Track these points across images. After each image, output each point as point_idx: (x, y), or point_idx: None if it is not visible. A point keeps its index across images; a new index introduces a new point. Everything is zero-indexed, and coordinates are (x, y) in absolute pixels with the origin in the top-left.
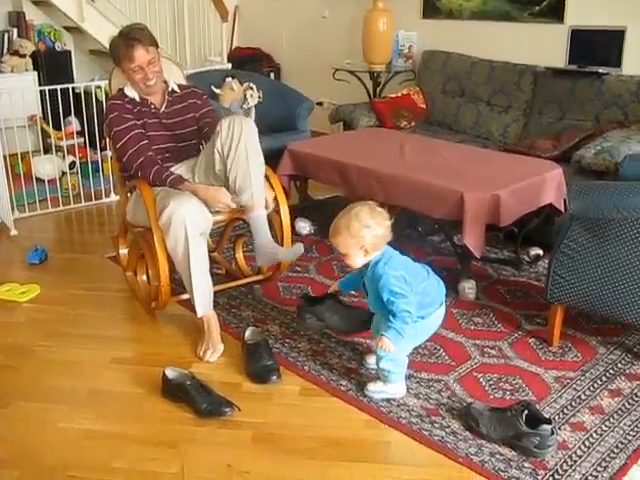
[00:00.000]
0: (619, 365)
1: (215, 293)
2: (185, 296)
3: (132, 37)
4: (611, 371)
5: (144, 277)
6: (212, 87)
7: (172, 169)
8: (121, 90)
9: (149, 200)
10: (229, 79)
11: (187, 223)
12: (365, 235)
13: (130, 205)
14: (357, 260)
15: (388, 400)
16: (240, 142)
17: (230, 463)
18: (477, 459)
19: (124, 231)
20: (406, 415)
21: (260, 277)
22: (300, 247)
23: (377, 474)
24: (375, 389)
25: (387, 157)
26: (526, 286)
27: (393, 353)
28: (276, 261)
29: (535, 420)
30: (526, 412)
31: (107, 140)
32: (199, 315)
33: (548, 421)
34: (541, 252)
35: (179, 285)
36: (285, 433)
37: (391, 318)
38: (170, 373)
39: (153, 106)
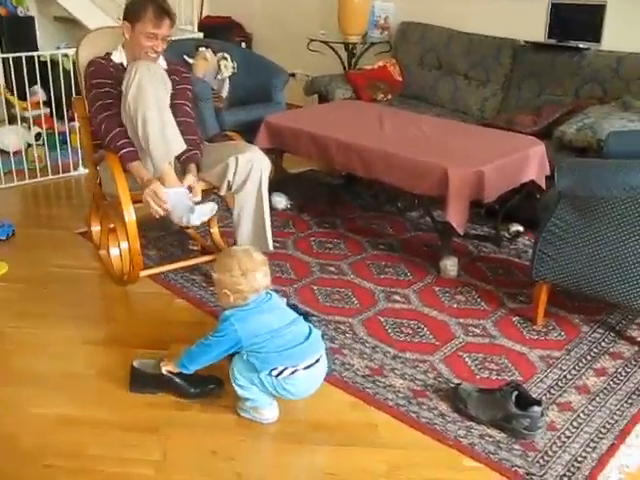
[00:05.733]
0: (603, 344)
1: (191, 269)
2: (157, 270)
3: (165, 8)
4: (595, 350)
5: (116, 251)
6: (185, 57)
7: None
8: (107, 54)
9: (117, 170)
10: (202, 49)
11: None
12: (225, 279)
13: (101, 176)
14: (225, 302)
15: (374, 381)
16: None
17: (215, 449)
18: (466, 441)
19: (96, 207)
20: (393, 397)
21: None
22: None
23: (365, 458)
24: (241, 406)
25: (367, 131)
26: (507, 263)
27: (241, 383)
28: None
29: (524, 401)
30: (515, 393)
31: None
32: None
33: (538, 402)
34: (521, 229)
35: (150, 259)
36: None
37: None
38: (141, 364)
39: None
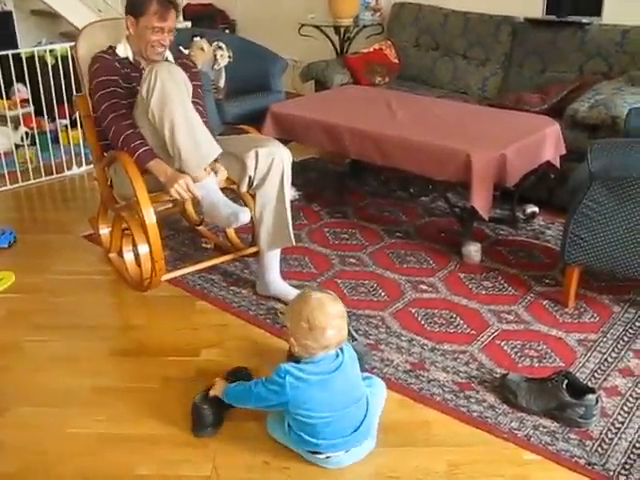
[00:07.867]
0: (637, 323)
1: (208, 270)
2: (178, 272)
3: None
4: (630, 330)
5: (131, 255)
6: (180, 48)
7: None
8: (111, 47)
9: (133, 172)
10: (197, 38)
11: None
12: (292, 327)
13: (113, 178)
14: (291, 347)
15: (417, 376)
16: (278, 172)
17: (267, 460)
18: (521, 434)
19: (104, 210)
20: (439, 392)
21: (255, 249)
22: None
23: (423, 458)
24: None
25: (380, 117)
26: (527, 245)
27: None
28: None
29: (576, 389)
30: (566, 382)
31: (66, 108)
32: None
33: (592, 390)
34: (537, 209)
35: (168, 262)
36: None
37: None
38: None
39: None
